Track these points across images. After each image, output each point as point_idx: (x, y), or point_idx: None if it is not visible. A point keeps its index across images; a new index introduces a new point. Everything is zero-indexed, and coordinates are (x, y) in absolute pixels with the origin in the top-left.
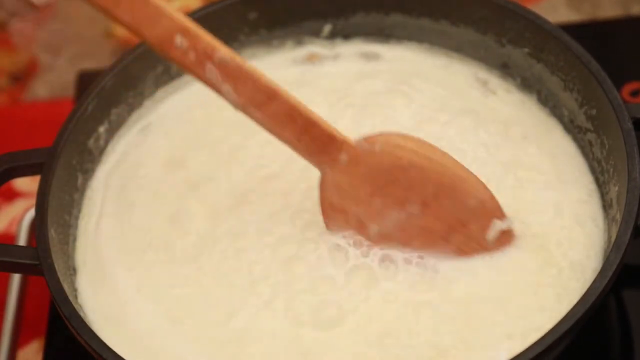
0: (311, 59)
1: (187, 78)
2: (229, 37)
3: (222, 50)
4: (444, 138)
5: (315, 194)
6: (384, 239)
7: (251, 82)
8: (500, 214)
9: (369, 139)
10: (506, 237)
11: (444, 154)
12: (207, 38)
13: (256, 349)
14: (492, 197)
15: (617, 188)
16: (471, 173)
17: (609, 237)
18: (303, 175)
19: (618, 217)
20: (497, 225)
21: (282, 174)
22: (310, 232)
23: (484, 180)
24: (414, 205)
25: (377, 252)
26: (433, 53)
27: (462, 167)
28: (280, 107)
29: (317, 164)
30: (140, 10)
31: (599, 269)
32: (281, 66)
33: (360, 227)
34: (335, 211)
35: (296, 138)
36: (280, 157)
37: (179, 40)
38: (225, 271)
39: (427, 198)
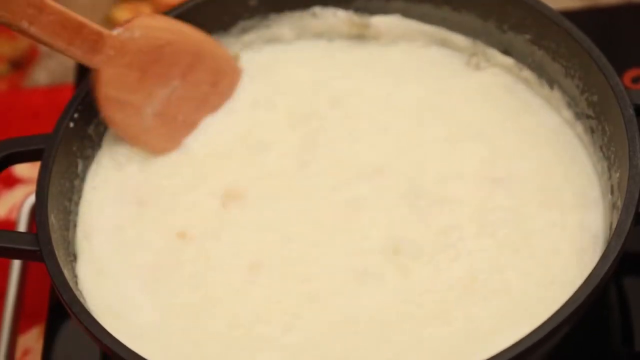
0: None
1: None
2: (229, 24)
3: None
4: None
5: None
6: (157, 118)
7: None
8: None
9: (127, 26)
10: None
11: (192, 28)
12: None
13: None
14: (228, 56)
15: (618, 175)
16: (212, 40)
17: (610, 223)
18: None
19: (619, 203)
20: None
21: None
22: None
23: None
24: (176, 79)
25: None
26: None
27: (206, 37)
28: (51, 17)
29: (90, 63)
30: None
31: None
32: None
33: (136, 112)
34: (111, 102)
35: (69, 43)
36: None
37: None
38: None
39: (185, 70)
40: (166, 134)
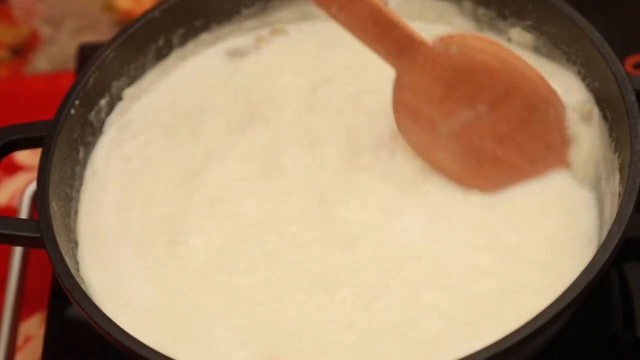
0: None
1: (187, 49)
2: (231, 11)
3: None
4: None
5: None
6: (453, 140)
7: None
8: (560, 109)
9: (445, 40)
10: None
11: (515, 55)
12: None
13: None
14: (555, 94)
15: (620, 161)
16: (537, 72)
17: (611, 210)
18: None
19: (620, 190)
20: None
21: None
22: None
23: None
24: (484, 105)
25: None
26: None
27: (530, 67)
28: (363, 8)
29: (395, 64)
30: None
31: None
32: None
33: (430, 126)
34: (407, 110)
35: (376, 40)
36: None
37: None
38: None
39: (497, 98)
40: (468, 164)
